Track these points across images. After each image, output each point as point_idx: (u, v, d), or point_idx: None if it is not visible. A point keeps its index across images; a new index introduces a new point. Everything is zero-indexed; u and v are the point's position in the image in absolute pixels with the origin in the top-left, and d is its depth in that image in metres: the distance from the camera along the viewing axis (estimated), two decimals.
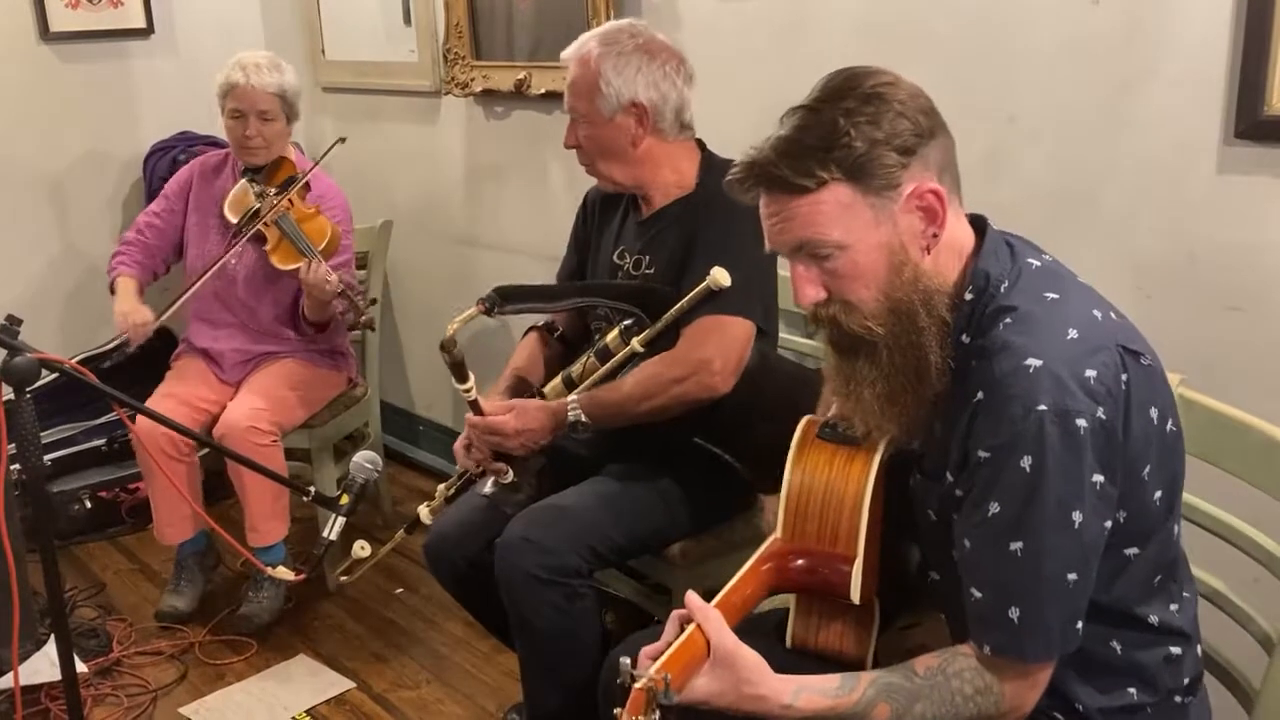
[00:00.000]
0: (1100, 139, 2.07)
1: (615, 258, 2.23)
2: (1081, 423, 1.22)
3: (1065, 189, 2.12)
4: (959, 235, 1.35)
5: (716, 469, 2.12)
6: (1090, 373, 1.24)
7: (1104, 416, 1.23)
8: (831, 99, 1.30)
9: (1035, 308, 1.30)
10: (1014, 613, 1.27)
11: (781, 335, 2.30)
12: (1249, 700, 1.54)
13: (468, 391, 2.04)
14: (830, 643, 1.49)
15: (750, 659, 1.26)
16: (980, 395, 1.27)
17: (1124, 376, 1.27)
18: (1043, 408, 1.22)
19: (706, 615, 1.27)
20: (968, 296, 1.33)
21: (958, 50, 2.23)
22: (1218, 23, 1.88)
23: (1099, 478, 1.24)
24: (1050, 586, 1.26)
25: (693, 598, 1.29)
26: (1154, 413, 1.30)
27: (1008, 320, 1.29)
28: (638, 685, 1.13)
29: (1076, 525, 1.24)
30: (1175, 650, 1.38)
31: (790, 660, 1.50)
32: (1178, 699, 1.41)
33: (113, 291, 3.06)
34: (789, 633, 1.51)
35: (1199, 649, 1.44)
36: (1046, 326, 1.28)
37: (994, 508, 1.26)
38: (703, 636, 1.26)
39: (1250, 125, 1.86)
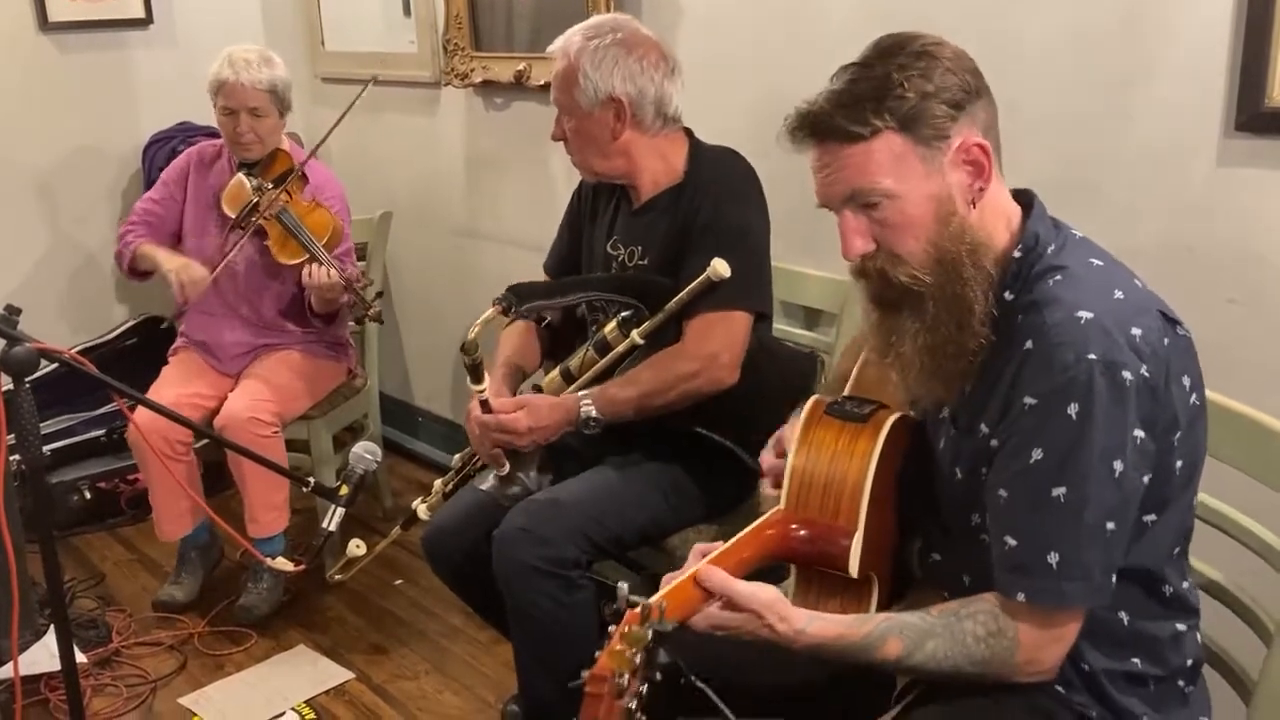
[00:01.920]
0: (1100, 130, 2.07)
1: (609, 248, 2.24)
2: (1128, 375, 1.25)
3: (1065, 180, 2.11)
4: (1003, 199, 1.39)
5: (716, 459, 2.13)
6: (1136, 331, 1.27)
7: (1147, 374, 1.26)
8: (883, 56, 1.34)
9: (1083, 269, 1.34)
10: (1053, 557, 1.28)
11: (779, 326, 2.30)
12: (1247, 691, 1.54)
13: (481, 391, 2.04)
14: None
15: (766, 594, 1.30)
16: (1029, 344, 1.29)
17: (1165, 340, 1.30)
18: (1093, 356, 1.24)
19: (710, 575, 1.30)
20: (1016, 254, 1.36)
21: (958, 40, 2.21)
22: (1218, 14, 1.87)
23: (1140, 433, 1.27)
24: (1091, 532, 1.27)
25: (701, 562, 1.32)
26: (1186, 381, 1.33)
27: (1058, 277, 1.33)
28: (633, 609, 1.14)
29: (1118, 475, 1.26)
30: (1180, 626, 1.40)
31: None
32: (1180, 683, 1.41)
33: (133, 269, 3.03)
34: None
35: (1199, 633, 1.46)
36: (1095, 285, 1.31)
37: (1037, 454, 1.28)
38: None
39: (1251, 117, 1.86)
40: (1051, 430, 1.27)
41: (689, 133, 2.22)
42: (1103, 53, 2.03)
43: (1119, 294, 1.31)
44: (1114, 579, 1.30)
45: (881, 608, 1.48)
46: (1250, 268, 1.92)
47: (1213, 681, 1.53)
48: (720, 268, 2.00)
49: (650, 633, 1.12)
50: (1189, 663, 1.42)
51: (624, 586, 1.19)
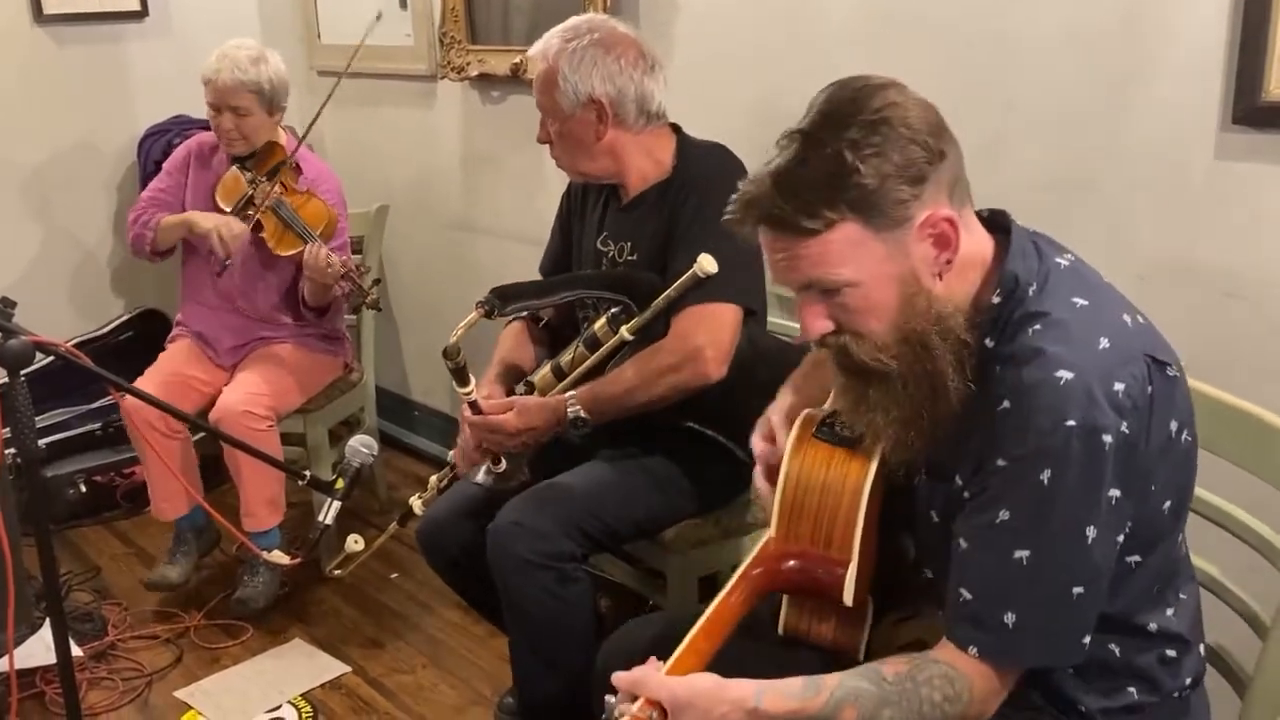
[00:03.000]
0: (1099, 126, 2.07)
1: (599, 245, 2.23)
2: (1107, 438, 1.20)
3: (1064, 176, 2.12)
4: (975, 248, 1.31)
5: (710, 452, 2.13)
6: (1119, 386, 1.21)
7: (1127, 431, 1.21)
8: (834, 127, 1.23)
9: (1066, 314, 1.26)
10: (1009, 618, 1.24)
11: (771, 319, 2.29)
12: (1242, 686, 1.54)
13: (468, 394, 2.04)
14: (823, 634, 1.48)
15: (703, 684, 1.21)
16: (1006, 404, 1.24)
17: (1149, 390, 1.24)
18: (1071, 423, 1.19)
19: (644, 684, 1.21)
20: (995, 300, 1.29)
21: (956, 38, 2.22)
22: (1216, 9, 1.87)
23: (1115, 492, 1.22)
24: (1052, 597, 1.24)
25: (620, 678, 1.23)
26: (1173, 426, 1.28)
27: (1038, 326, 1.25)
28: None
29: (1089, 540, 1.22)
30: (1170, 653, 1.37)
31: (782, 649, 1.50)
32: (1176, 695, 1.40)
33: (155, 249, 3.01)
34: (781, 620, 1.50)
35: (1201, 649, 1.43)
36: (1078, 335, 1.24)
37: (1004, 514, 1.24)
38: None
39: (1248, 111, 1.86)
40: (1021, 493, 1.22)
41: (676, 129, 2.21)
42: (1100, 49, 2.03)
43: (1104, 343, 1.23)
44: (1086, 641, 1.27)
45: (873, 625, 1.47)
46: (1248, 262, 1.92)
47: (1209, 677, 1.53)
48: (707, 263, 1.99)
49: None
50: (1187, 681, 1.40)
51: (611, 700, 1.17)
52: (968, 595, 1.27)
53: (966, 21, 2.19)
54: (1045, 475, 1.21)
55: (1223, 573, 1.59)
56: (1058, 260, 1.32)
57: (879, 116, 1.22)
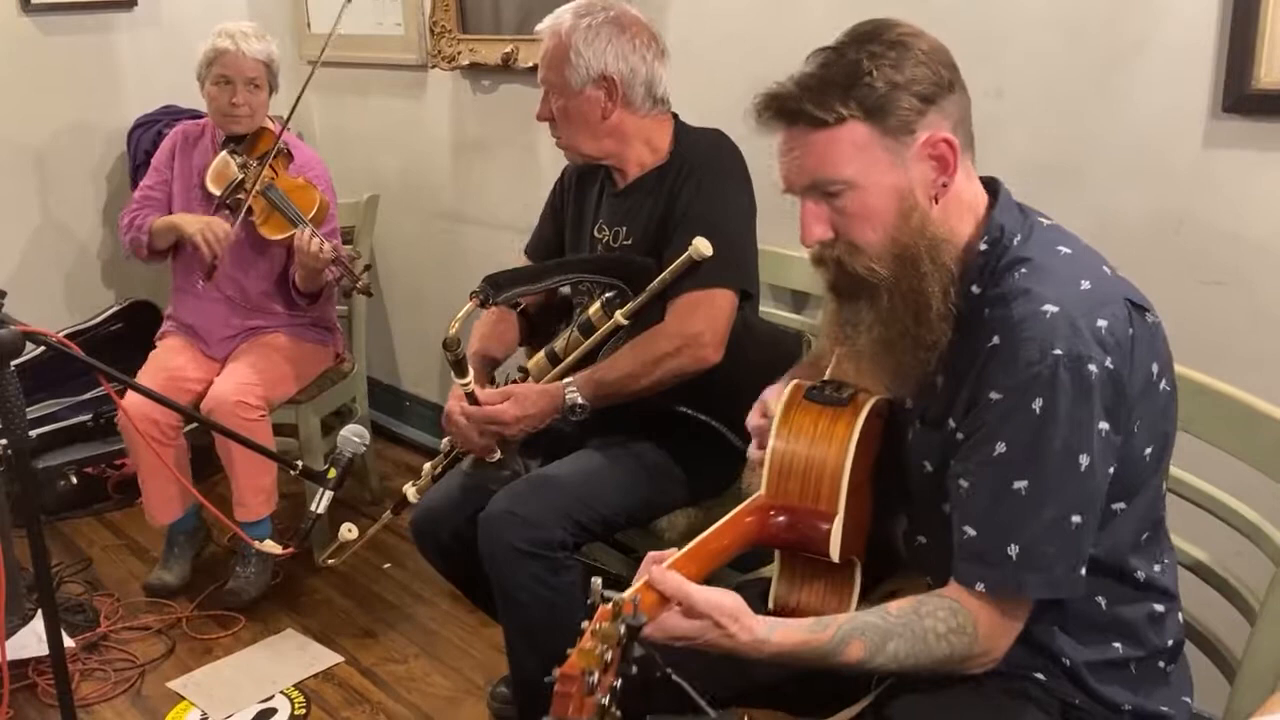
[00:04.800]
0: (1088, 113, 2.07)
1: (594, 231, 2.23)
2: (1093, 369, 1.25)
3: (1052, 163, 2.12)
4: (971, 192, 1.38)
5: (703, 439, 2.13)
6: (1102, 323, 1.27)
7: (1112, 366, 1.26)
8: (857, 42, 1.32)
9: (1050, 259, 1.33)
10: (1013, 549, 1.28)
11: (765, 310, 2.30)
12: (1231, 670, 1.55)
13: (466, 385, 2.04)
14: (811, 604, 1.50)
15: (728, 600, 1.26)
16: (995, 339, 1.29)
17: (1130, 330, 1.30)
18: (1058, 351, 1.24)
19: (664, 579, 1.26)
20: (982, 247, 1.36)
21: (945, 24, 2.19)
22: None
23: (1105, 424, 1.27)
24: (1053, 526, 1.27)
25: (654, 570, 1.27)
26: (1154, 368, 1.33)
27: (1023, 270, 1.32)
28: (609, 602, 1.13)
29: (1083, 468, 1.26)
30: (1159, 608, 1.40)
31: None
32: (1160, 663, 1.42)
33: (152, 249, 3.01)
34: (772, 593, 1.52)
35: (1179, 614, 1.46)
36: (1061, 276, 1.30)
37: (1001, 447, 1.28)
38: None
39: (1238, 100, 1.87)
40: (1015, 424, 1.27)
41: (674, 115, 2.21)
42: (1090, 36, 2.03)
43: (1085, 284, 1.30)
44: (1083, 571, 1.30)
45: (864, 591, 1.49)
46: (1236, 249, 1.92)
47: (1197, 661, 1.54)
48: (702, 247, 2.00)
49: (623, 628, 1.11)
50: (1169, 643, 1.43)
51: (597, 581, 1.19)
52: (971, 532, 1.31)
53: (955, 8, 2.19)
54: (1037, 404, 1.25)
55: (1210, 558, 1.60)
56: (1041, 219, 1.40)
57: (898, 39, 1.32)
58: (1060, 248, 1.35)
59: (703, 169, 2.09)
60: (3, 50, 3.59)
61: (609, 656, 1.10)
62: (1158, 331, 1.35)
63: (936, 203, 1.33)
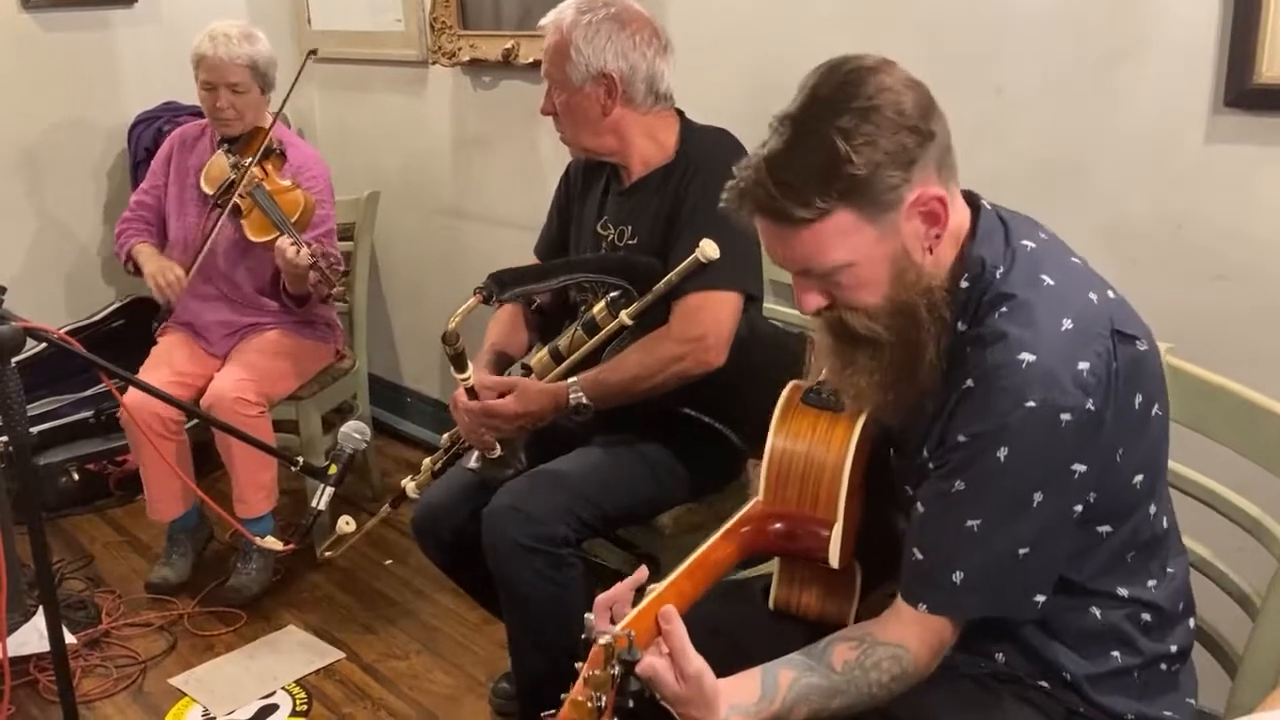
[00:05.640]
0: (1088, 109, 2.07)
1: (599, 228, 2.23)
2: (1066, 417, 1.23)
3: (1053, 159, 2.12)
4: (956, 222, 1.33)
5: (705, 437, 2.13)
6: (1083, 365, 1.24)
7: (1092, 407, 1.24)
8: (825, 114, 1.24)
9: (1032, 294, 1.29)
10: (957, 576, 1.30)
11: (769, 307, 2.29)
12: (1232, 665, 1.55)
13: (465, 380, 2.04)
14: (811, 605, 1.50)
15: (709, 685, 1.23)
16: (970, 382, 1.28)
17: (1115, 365, 1.27)
18: (1031, 404, 1.23)
19: (672, 630, 1.22)
20: (963, 284, 1.32)
21: (945, 21, 2.22)
22: None
23: (1080, 465, 1.26)
24: (999, 558, 1.28)
25: (666, 612, 1.24)
26: (1139, 399, 1.31)
27: (1004, 309, 1.28)
28: (600, 642, 1.12)
29: (1035, 505, 1.26)
30: (1146, 617, 1.39)
31: (774, 623, 1.53)
32: (1164, 666, 1.42)
33: (129, 264, 3.06)
34: (772, 595, 1.52)
35: (1191, 623, 1.45)
36: (1043, 316, 1.27)
37: (959, 484, 1.28)
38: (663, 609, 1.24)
39: (1239, 94, 1.86)
40: (977, 468, 1.27)
41: (680, 114, 2.21)
42: (1092, 31, 2.03)
43: (1067, 323, 1.26)
44: (1038, 599, 1.31)
45: (865, 591, 1.50)
46: (1238, 244, 1.92)
47: (1199, 656, 1.53)
48: (709, 249, 1.99)
49: (617, 668, 1.11)
50: (1173, 649, 1.42)
51: (590, 619, 1.18)
52: (919, 556, 1.33)
53: (955, 4, 2.19)
54: (1002, 453, 1.25)
55: (1212, 553, 1.60)
56: (1024, 243, 1.34)
57: (871, 104, 1.23)
58: (1043, 277, 1.30)
59: (708, 169, 2.08)
60: (3, 47, 3.59)
61: (603, 702, 1.09)
62: (1146, 359, 1.32)
63: (931, 252, 1.30)
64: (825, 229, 1.25)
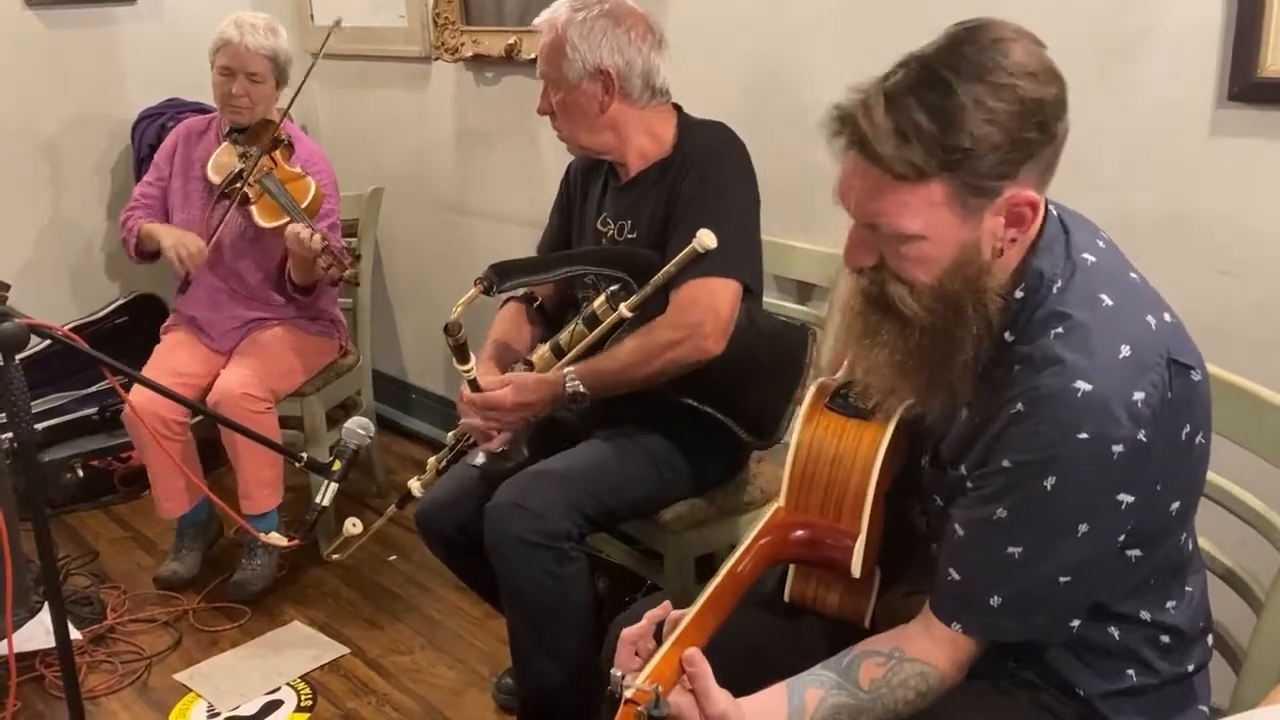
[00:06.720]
0: (1093, 102, 2.06)
1: (599, 224, 2.23)
2: (1119, 448, 1.19)
3: None
4: (1035, 230, 1.28)
5: (708, 431, 2.13)
6: (1138, 395, 1.19)
7: (1144, 439, 1.20)
8: (963, 70, 1.17)
9: (1088, 317, 1.23)
10: (994, 600, 1.27)
11: (769, 300, 2.29)
12: (1236, 660, 1.55)
13: (468, 371, 2.04)
14: (829, 602, 1.48)
15: (732, 711, 1.21)
16: (1020, 406, 1.22)
17: (1169, 395, 1.22)
18: (1084, 436, 1.18)
19: (698, 674, 1.20)
20: (1018, 295, 1.27)
21: (947, 15, 2.20)
22: None
23: (1127, 497, 1.22)
24: (1039, 585, 1.26)
25: (691, 655, 1.21)
26: (1186, 430, 1.27)
27: (1059, 330, 1.23)
28: (628, 696, 1.12)
29: (1080, 535, 1.23)
30: (1165, 639, 1.37)
31: (788, 615, 1.51)
32: (1180, 684, 1.40)
33: (137, 250, 3.04)
34: (788, 588, 1.50)
35: (1209, 639, 1.44)
36: (1100, 342, 1.21)
37: (1002, 512, 1.24)
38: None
39: (1244, 88, 1.86)
40: (1023, 494, 1.22)
41: (677, 108, 2.21)
42: (1095, 25, 2.03)
43: (1125, 350, 1.20)
44: (1073, 624, 1.29)
45: (882, 588, 1.47)
46: (1243, 239, 1.92)
47: None
48: (706, 238, 1.99)
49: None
50: (1190, 668, 1.40)
51: (617, 674, 1.17)
52: (956, 576, 1.29)
53: None
54: (1049, 482, 1.21)
55: (1217, 548, 1.60)
56: (1085, 256, 1.28)
57: (1010, 83, 1.16)
58: (1102, 297, 1.24)
59: (706, 162, 2.08)
60: (6, 44, 3.59)
61: None
62: (1198, 389, 1.27)
63: (1000, 255, 1.24)
64: (914, 193, 1.19)
